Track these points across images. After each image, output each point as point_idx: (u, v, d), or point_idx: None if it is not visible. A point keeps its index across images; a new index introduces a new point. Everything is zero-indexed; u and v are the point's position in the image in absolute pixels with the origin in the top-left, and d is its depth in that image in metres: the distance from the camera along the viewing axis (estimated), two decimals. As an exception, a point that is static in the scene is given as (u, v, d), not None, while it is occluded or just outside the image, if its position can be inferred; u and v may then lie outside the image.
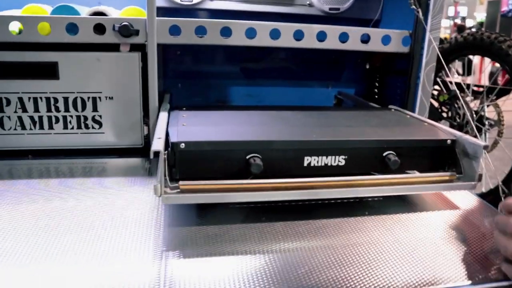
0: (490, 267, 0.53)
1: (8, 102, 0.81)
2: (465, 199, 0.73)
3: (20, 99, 0.81)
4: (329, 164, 0.65)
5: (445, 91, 1.63)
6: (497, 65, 1.49)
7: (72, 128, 0.84)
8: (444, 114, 1.65)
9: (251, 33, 0.87)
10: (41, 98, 0.82)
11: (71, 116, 0.84)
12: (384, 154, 0.67)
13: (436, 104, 1.67)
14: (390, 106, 0.96)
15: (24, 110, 0.82)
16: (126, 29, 0.79)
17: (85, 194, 0.69)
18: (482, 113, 1.50)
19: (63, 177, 0.77)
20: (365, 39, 0.93)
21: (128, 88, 0.84)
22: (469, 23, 9.07)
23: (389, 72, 1.13)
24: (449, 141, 0.70)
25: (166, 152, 0.59)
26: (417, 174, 0.70)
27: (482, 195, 1.49)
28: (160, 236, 0.57)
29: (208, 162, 0.62)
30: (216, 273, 0.49)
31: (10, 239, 0.55)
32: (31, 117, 0.83)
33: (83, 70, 0.82)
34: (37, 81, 0.81)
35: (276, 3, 1.08)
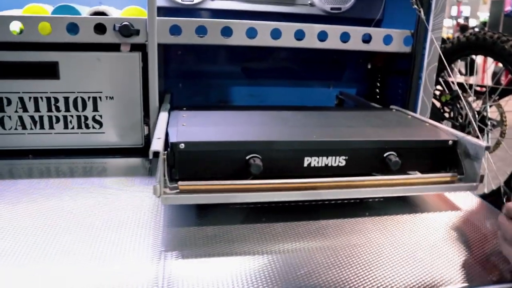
0: (491, 269, 0.53)
1: (9, 102, 0.81)
2: (466, 200, 0.72)
3: (21, 99, 0.81)
4: (329, 164, 0.65)
5: (447, 91, 1.62)
6: (500, 65, 1.48)
7: (73, 128, 0.84)
8: (447, 115, 1.64)
9: (251, 33, 0.86)
10: (41, 98, 0.82)
11: (72, 116, 0.84)
12: (385, 154, 0.66)
13: (438, 104, 1.66)
14: (391, 107, 0.96)
15: (25, 109, 0.82)
16: (127, 29, 0.79)
17: (85, 194, 0.69)
18: (485, 114, 1.49)
19: (63, 177, 0.77)
20: (367, 39, 0.93)
21: (128, 88, 0.84)
22: (472, 22, 9.03)
23: (390, 72, 1.12)
24: (450, 142, 0.69)
25: (165, 152, 0.59)
26: (418, 175, 0.70)
27: (484, 196, 1.48)
28: (159, 237, 0.56)
29: (207, 163, 0.62)
30: (215, 274, 0.49)
31: (9, 239, 0.55)
32: (32, 117, 0.83)
33: (83, 70, 0.82)
34: (37, 81, 0.81)
35: (278, 2, 1.08)
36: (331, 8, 1.09)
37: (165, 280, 0.47)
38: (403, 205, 0.69)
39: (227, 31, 0.85)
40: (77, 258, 0.51)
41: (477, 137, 0.69)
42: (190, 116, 0.75)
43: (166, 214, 0.63)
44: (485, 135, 1.48)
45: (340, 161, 0.65)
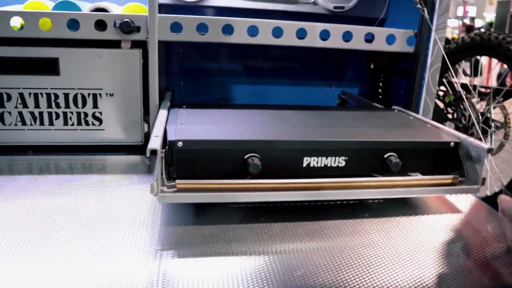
0: (492, 272, 0.52)
1: (9, 98, 0.81)
2: (468, 203, 0.71)
3: (21, 95, 0.81)
4: (329, 165, 0.64)
5: (451, 92, 1.60)
6: (506, 66, 1.47)
7: (72, 124, 0.84)
8: (450, 116, 1.63)
9: (253, 31, 0.86)
10: (41, 94, 0.82)
11: (72, 113, 0.84)
12: (386, 155, 0.66)
13: (441, 105, 1.65)
14: (393, 107, 0.95)
15: (25, 105, 0.82)
16: (127, 26, 0.78)
17: (84, 190, 0.69)
18: (488, 115, 1.48)
19: (62, 173, 0.77)
20: (369, 38, 0.92)
21: (128, 85, 0.83)
22: (478, 23, 8.97)
23: (393, 72, 1.11)
24: (452, 144, 0.69)
25: (163, 150, 0.58)
26: (419, 176, 0.69)
27: (486, 199, 1.47)
28: (155, 235, 0.56)
29: (206, 161, 0.61)
30: (211, 273, 0.49)
31: (7, 235, 0.54)
32: (32, 113, 0.82)
33: (84, 67, 0.81)
34: (38, 77, 0.81)
35: (280, 1, 1.07)
36: (334, 7, 1.08)
37: (160, 278, 0.47)
38: (403, 206, 0.69)
39: (228, 29, 0.85)
40: (73, 255, 0.51)
41: (480, 139, 0.68)
42: (189, 114, 0.75)
43: (163, 212, 0.62)
44: (489, 137, 1.47)
45: (340, 161, 0.64)
